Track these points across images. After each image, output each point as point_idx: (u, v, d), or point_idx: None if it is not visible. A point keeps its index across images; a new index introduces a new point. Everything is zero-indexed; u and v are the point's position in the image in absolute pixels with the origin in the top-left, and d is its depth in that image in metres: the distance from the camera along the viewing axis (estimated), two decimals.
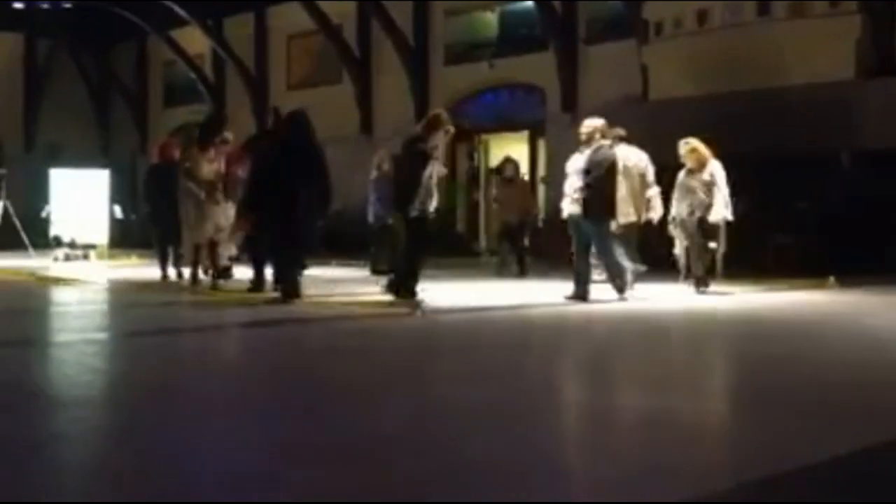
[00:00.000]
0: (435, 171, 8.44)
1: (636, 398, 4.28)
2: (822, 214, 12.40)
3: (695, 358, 5.83)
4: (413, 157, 8.41)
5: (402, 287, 8.44)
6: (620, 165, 9.27)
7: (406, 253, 8.52)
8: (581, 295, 8.59)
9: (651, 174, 9.98)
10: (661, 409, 3.94)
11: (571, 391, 4.43)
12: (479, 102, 19.84)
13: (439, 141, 8.54)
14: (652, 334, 7.00)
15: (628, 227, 9.64)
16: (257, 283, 9.32)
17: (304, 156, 8.52)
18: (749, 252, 12.62)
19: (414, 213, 8.30)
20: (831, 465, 2.97)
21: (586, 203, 8.56)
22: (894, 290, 9.91)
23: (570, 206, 8.74)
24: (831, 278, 10.63)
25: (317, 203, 8.56)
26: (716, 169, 9.57)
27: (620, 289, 8.70)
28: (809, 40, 13.77)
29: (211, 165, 9.85)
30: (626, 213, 9.50)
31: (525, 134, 18.61)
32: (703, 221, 9.45)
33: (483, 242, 19.22)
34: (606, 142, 8.86)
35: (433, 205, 8.46)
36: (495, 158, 18.22)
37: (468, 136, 19.18)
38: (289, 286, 8.43)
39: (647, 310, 8.29)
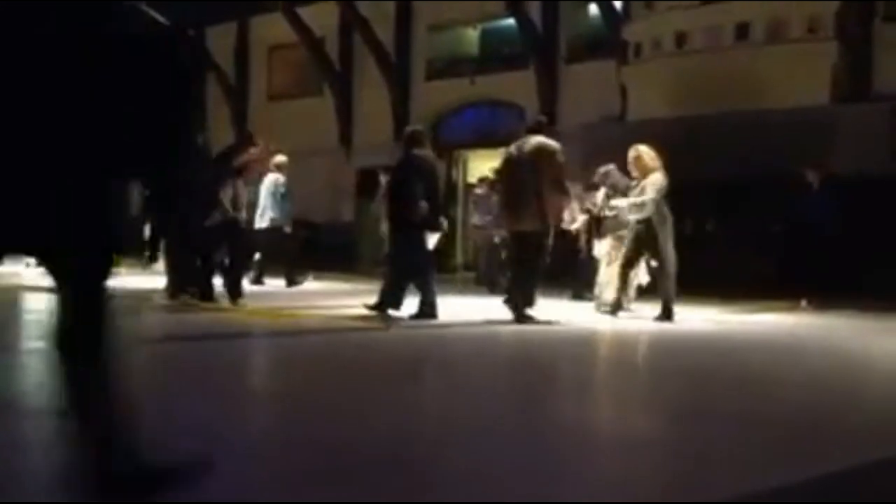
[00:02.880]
0: (240, 184, 9.34)
1: (600, 416, 4.31)
2: (795, 237, 12.51)
3: (653, 379, 5.86)
4: (228, 171, 9.28)
5: (230, 291, 9.16)
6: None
7: (231, 259, 9.37)
8: (429, 314, 8.22)
9: (556, 169, 8.42)
10: (621, 427, 3.97)
11: (542, 408, 4.45)
12: (460, 118, 19.91)
13: (248, 157, 9.56)
14: (617, 356, 7.04)
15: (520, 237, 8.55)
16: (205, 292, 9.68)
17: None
18: (722, 274, 12.74)
19: (241, 219, 9.23)
20: (799, 486, 3.01)
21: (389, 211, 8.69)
22: (864, 313, 10.02)
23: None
24: (803, 301, 10.73)
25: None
26: (653, 180, 8.79)
27: (427, 314, 8.23)
28: (786, 65, 13.95)
29: None
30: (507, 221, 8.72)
31: (504, 151, 18.68)
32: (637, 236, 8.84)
33: (460, 258, 19.24)
34: (423, 151, 8.56)
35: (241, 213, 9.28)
36: (473, 174, 18.31)
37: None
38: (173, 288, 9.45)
39: (607, 331, 8.33)
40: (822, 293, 10.97)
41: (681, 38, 15.09)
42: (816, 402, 4.79)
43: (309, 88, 22.05)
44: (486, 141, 19.08)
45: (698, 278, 12.41)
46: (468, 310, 9.33)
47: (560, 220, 9.33)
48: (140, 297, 9.90)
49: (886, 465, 3.36)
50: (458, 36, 20.02)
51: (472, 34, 19.80)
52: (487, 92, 19.01)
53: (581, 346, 7.33)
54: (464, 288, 13.14)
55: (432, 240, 8.46)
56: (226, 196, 9.01)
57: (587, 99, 16.42)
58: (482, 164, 18.37)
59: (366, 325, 7.81)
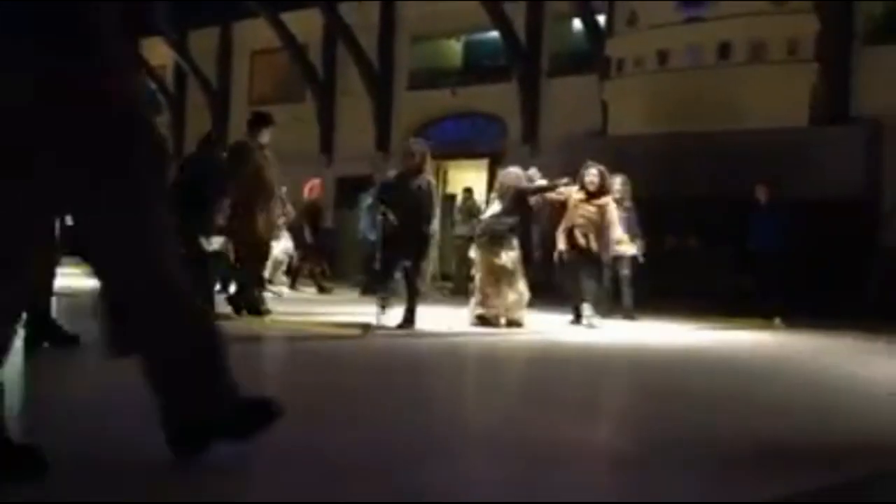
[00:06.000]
0: None
1: (569, 430, 4.30)
2: (771, 257, 12.59)
3: (630, 398, 5.87)
4: None
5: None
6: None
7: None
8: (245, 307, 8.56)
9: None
10: (583, 440, 3.97)
11: (503, 419, 4.44)
12: (441, 129, 19.96)
13: None
14: (566, 366, 7.06)
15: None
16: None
17: None
18: (699, 290, 12.79)
19: None
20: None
21: None
22: (837, 333, 10.10)
23: None
24: (777, 319, 10.80)
25: None
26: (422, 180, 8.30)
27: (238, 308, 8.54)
28: (766, 85, 14.09)
29: None
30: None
31: (485, 163, 18.75)
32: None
33: (433, 266, 19.21)
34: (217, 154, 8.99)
35: None
36: (454, 185, 18.33)
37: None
38: None
39: (548, 341, 8.36)
40: (798, 312, 11.05)
41: (663, 56, 15.21)
42: (790, 421, 4.81)
43: (291, 95, 22.04)
44: (467, 152, 19.16)
45: (675, 294, 12.51)
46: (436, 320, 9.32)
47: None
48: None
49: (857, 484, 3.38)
50: (441, 47, 20.08)
51: (456, 46, 19.87)
52: (469, 104, 19.07)
53: (536, 353, 7.34)
54: (439, 298, 13.12)
55: (214, 242, 8.68)
56: None
57: (568, 113, 16.52)
58: (463, 176, 18.43)
59: (339, 333, 7.79)
